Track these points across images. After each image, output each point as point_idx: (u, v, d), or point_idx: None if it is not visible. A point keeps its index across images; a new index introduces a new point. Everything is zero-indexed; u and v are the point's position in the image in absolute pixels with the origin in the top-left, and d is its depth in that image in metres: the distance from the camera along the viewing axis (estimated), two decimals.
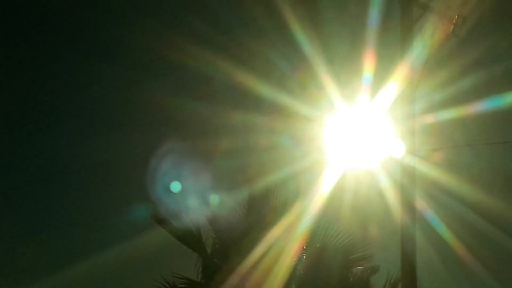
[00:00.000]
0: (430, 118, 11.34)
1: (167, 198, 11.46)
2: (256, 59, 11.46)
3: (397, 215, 10.70)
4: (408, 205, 10.61)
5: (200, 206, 11.19)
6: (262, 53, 11.44)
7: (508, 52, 11.81)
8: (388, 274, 11.12)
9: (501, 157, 11.50)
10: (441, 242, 11.08)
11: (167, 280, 11.10)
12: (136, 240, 11.44)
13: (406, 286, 10.24)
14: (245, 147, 11.30)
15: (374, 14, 10.98)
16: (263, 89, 11.35)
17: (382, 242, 11.36)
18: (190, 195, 11.15)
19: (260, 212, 11.14)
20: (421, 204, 10.90)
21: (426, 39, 11.07)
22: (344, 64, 11.28)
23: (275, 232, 10.83)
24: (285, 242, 10.77)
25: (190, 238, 11.19)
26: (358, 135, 11.17)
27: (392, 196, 10.80)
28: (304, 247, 10.98)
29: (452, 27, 11.07)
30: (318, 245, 10.94)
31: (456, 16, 11.03)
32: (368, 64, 10.96)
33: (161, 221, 11.37)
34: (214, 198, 11.23)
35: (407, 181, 10.71)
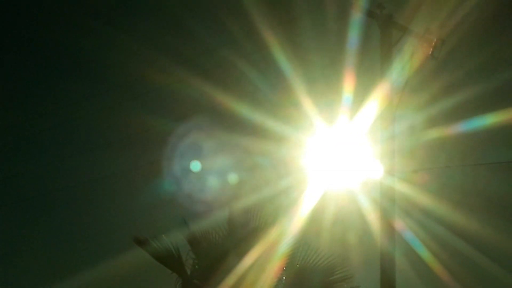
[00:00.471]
0: (409, 140, 11.44)
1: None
2: (236, 80, 11.52)
3: (377, 236, 10.75)
4: (388, 226, 10.67)
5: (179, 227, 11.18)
6: (242, 74, 11.50)
7: (486, 74, 11.95)
8: None
9: (480, 178, 11.59)
10: (420, 262, 11.13)
11: None
12: (116, 260, 11.38)
13: None
14: (225, 167, 11.31)
15: (353, 36, 11.09)
16: (243, 110, 11.39)
17: (362, 262, 11.37)
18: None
19: (240, 233, 11.12)
20: (401, 225, 10.97)
21: (405, 61, 11.19)
22: (324, 85, 11.37)
23: (255, 253, 10.81)
24: (265, 263, 10.76)
25: (170, 259, 11.14)
26: (338, 156, 11.24)
27: (371, 217, 10.86)
28: (284, 268, 10.96)
29: (431, 49, 11.21)
30: (298, 266, 10.91)
31: (435, 39, 11.17)
32: (348, 85, 11.05)
33: (141, 242, 11.33)
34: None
35: (387, 202, 10.79)
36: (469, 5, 10.97)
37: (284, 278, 10.94)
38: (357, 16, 11.12)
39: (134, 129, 11.78)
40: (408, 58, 11.14)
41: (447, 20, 11.05)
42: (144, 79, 11.62)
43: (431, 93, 11.59)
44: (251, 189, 11.29)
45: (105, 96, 12.27)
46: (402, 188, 11.03)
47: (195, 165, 11.34)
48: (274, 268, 10.80)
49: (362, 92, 11.02)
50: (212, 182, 11.62)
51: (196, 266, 11.20)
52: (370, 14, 11.29)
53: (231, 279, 10.65)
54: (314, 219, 10.98)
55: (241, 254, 10.78)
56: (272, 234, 10.83)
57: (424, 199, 11.30)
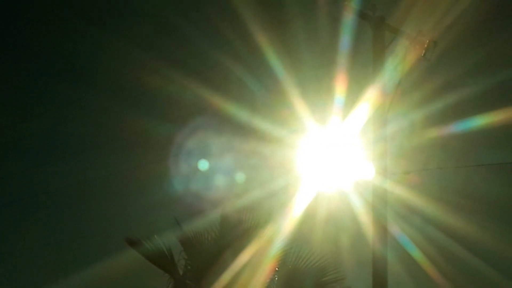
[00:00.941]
0: (401, 141, 11.48)
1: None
2: (228, 82, 11.55)
3: (369, 237, 10.78)
4: (380, 227, 10.70)
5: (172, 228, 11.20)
6: (234, 76, 11.53)
7: (478, 75, 11.99)
8: None
9: (472, 180, 11.64)
10: (412, 263, 11.16)
11: None
12: (109, 261, 11.40)
13: None
14: (218, 168, 11.34)
15: (346, 38, 11.13)
16: (236, 111, 11.42)
17: (354, 263, 11.41)
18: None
19: (233, 234, 11.13)
20: (393, 226, 11.00)
21: (398, 62, 11.23)
22: (317, 86, 11.40)
23: (247, 253, 10.83)
24: (257, 263, 10.78)
25: (162, 260, 11.15)
26: (330, 157, 11.27)
27: (364, 218, 10.89)
28: (276, 269, 10.98)
29: (423, 51, 11.24)
30: (290, 267, 10.93)
31: (427, 41, 11.21)
32: (340, 87, 11.08)
33: (133, 242, 11.34)
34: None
35: (379, 203, 10.82)
36: (461, 7, 11.00)
37: (276, 278, 10.98)
38: (349, 18, 11.15)
39: (127, 131, 11.80)
40: (401, 60, 11.18)
41: (439, 22, 11.08)
42: (138, 81, 11.65)
43: (423, 94, 11.63)
44: (244, 190, 11.32)
45: (98, 98, 12.30)
46: (394, 189, 11.06)
47: (189, 166, 11.37)
48: (266, 268, 10.82)
49: (354, 94, 11.05)
50: (205, 183, 11.64)
51: (189, 267, 11.22)
52: (362, 15, 11.32)
53: (223, 279, 10.67)
54: (307, 220, 11.01)
55: (234, 255, 10.80)
56: (264, 235, 10.85)
57: (416, 200, 11.33)
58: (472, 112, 11.47)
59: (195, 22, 12.27)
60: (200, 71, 11.70)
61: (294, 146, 11.40)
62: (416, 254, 11.21)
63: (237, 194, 11.27)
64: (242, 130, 11.37)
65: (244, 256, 10.78)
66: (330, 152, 11.30)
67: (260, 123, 11.46)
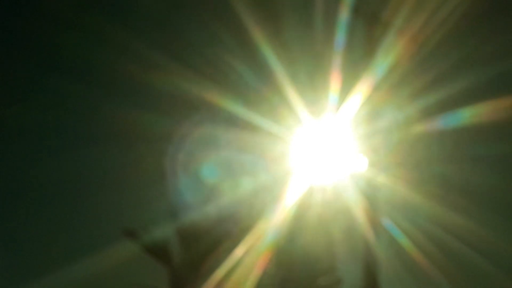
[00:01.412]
0: (394, 134, 11.62)
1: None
2: (221, 75, 11.66)
3: (361, 229, 10.97)
4: (372, 219, 10.90)
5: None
6: (227, 69, 11.63)
7: (470, 70, 12.11)
8: (352, 286, 11.36)
9: (464, 173, 11.78)
10: (404, 254, 11.34)
11: None
12: (105, 252, 11.56)
13: None
14: (212, 161, 11.48)
15: (338, 32, 11.25)
16: (229, 105, 11.54)
17: (346, 255, 11.59)
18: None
19: (227, 226, 11.31)
20: (385, 218, 11.19)
21: (390, 57, 11.36)
22: (309, 80, 11.51)
23: (242, 244, 11.01)
24: (252, 254, 10.97)
25: (158, 251, 11.33)
26: (323, 150, 11.42)
27: (356, 211, 11.07)
28: (270, 261, 11.17)
29: (415, 45, 11.37)
30: (283, 258, 11.14)
31: (419, 35, 11.33)
32: (333, 81, 11.21)
33: (130, 234, 11.51)
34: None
35: (371, 196, 11.01)
36: (454, 2, 11.12)
37: (269, 270, 11.17)
38: (342, 12, 11.26)
39: (121, 124, 11.92)
40: (393, 54, 11.31)
41: (431, 17, 11.20)
42: (132, 74, 11.74)
43: (416, 88, 11.75)
44: (237, 182, 11.47)
45: (93, 91, 12.40)
46: (387, 182, 11.24)
47: (183, 160, 11.52)
48: (260, 259, 11.01)
49: (346, 87, 11.18)
50: (200, 175, 11.79)
51: (185, 258, 11.40)
52: (355, 10, 11.44)
53: (219, 271, 10.86)
54: (299, 212, 11.19)
55: (229, 247, 10.99)
56: (258, 227, 11.03)
57: (408, 193, 11.49)
58: (465, 106, 11.59)
59: (190, 15, 12.35)
60: (194, 64, 11.80)
61: (287, 139, 11.53)
62: (408, 246, 11.38)
63: (231, 187, 11.42)
64: (235, 124, 11.48)
65: (240, 247, 10.97)
66: (323, 145, 11.45)
67: (252, 116, 11.55)
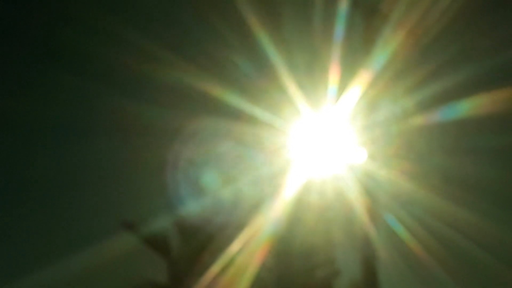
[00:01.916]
0: (392, 126, 11.63)
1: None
2: (220, 66, 11.66)
3: (359, 221, 10.99)
4: (370, 211, 10.91)
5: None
6: (226, 60, 11.64)
7: (469, 62, 12.11)
8: (351, 278, 11.38)
9: (463, 165, 11.79)
10: (403, 246, 11.35)
11: (134, 285, 11.27)
12: (103, 245, 11.59)
13: None
14: (210, 153, 11.49)
15: (337, 24, 11.25)
16: (227, 96, 11.54)
17: (345, 247, 11.61)
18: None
19: (226, 218, 11.34)
20: (383, 210, 11.20)
21: (388, 49, 11.36)
22: (308, 73, 11.51)
23: (241, 236, 11.04)
24: (251, 246, 10.99)
25: (157, 243, 11.37)
26: (321, 142, 11.43)
27: (354, 203, 11.09)
28: (268, 252, 11.19)
29: (414, 37, 11.37)
30: (281, 250, 11.16)
31: (418, 27, 11.33)
32: (332, 73, 11.22)
33: (129, 226, 11.55)
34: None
35: (369, 187, 11.02)
36: None
37: (267, 262, 11.19)
38: (341, 5, 11.27)
39: (120, 117, 11.93)
40: (391, 46, 11.31)
41: (430, 9, 11.20)
42: (130, 66, 11.75)
43: (414, 80, 11.75)
44: (236, 174, 11.49)
45: (91, 83, 12.40)
46: (385, 174, 11.25)
47: (182, 152, 11.53)
48: (258, 251, 11.03)
49: (345, 79, 11.19)
50: (199, 167, 11.81)
51: (183, 251, 11.43)
52: (353, 2, 11.44)
53: (217, 263, 10.89)
54: (298, 204, 11.20)
55: (227, 239, 11.01)
56: (256, 219, 11.05)
57: (407, 185, 11.50)
58: (464, 98, 11.59)
59: (190, 8, 12.35)
60: (193, 57, 11.80)
61: (286, 131, 11.54)
62: (406, 237, 11.39)
63: (229, 179, 11.44)
64: (233, 115, 11.49)
65: (238, 239, 11.00)
66: (322, 137, 11.46)
67: (250, 108, 11.56)
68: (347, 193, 11.21)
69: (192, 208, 11.51)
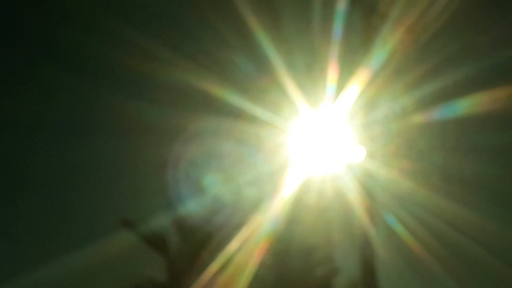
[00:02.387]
0: (391, 124, 11.63)
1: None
2: (219, 65, 11.67)
3: (358, 220, 10.98)
4: (369, 209, 10.91)
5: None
6: (225, 61, 11.65)
7: (468, 60, 12.10)
8: (350, 276, 11.38)
9: (461, 163, 11.78)
10: (401, 245, 11.34)
11: (133, 283, 11.30)
12: (102, 242, 11.61)
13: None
14: (210, 152, 11.51)
15: (336, 22, 11.25)
16: (226, 95, 11.56)
17: (344, 245, 11.60)
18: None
19: (225, 216, 11.35)
20: (382, 209, 11.19)
21: (387, 47, 11.35)
22: (307, 71, 11.52)
23: (240, 234, 11.05)
24: (249, 244, 11.00)
25: (156, 241, 11.39)
26: (320, 141, 11.44)
27: (353, 201, 11.09)
28: (267, 250, 11.19)
29: (413, 36, 11.36)
30: (280, 248, 11.16)
31: (417, 25, 11.32)
32: (330, 71, 11.22)
33: (128, 224, 11.57)
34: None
35: (368, 185, 11.02)
36: None
37: (265, 260, 11.19)
38: (339, 3, 11.27)
39: (119, 115, 11.95)
40: (390, 45, 11.31)
41: (429, 7, 11.20)
42: (129, 64, 11.77)
43: (413, 78, 11.74)
44: (235, 173, 11.50)
45: (90, 81, 12.42)
46: (384, 172, 11.24)
47: (181, 151, 11.55)
48: (257, 249, 11.04)
49: (344, 78, 11.19)
50: (198, 166, 11.82)
51: (182, 249, 11.45)
52: (352, 0, 11.43)
53: (216, 262, 10.90)
54: (297, 203, 11.20)
55: (226, 237, 11.02)
56: (256, 216, 11.06)
57: (406, 183, 11.49)
58: (463, 96, 11.58)
59: (189, 7, 12.36)
60: (192, 55, 11.81)
61: (285, 130, 11.54)
62: (405, 235, 11.38)
63: (228, 177, 11.45)
64: (234, 114, 11.50)
65: (237, 237, 11.01)
66: (321, 135, 11.46)
67: (249, 106, 11.57)
68: (346, 191, 11.21)
69: (191, 206, 11.52)
